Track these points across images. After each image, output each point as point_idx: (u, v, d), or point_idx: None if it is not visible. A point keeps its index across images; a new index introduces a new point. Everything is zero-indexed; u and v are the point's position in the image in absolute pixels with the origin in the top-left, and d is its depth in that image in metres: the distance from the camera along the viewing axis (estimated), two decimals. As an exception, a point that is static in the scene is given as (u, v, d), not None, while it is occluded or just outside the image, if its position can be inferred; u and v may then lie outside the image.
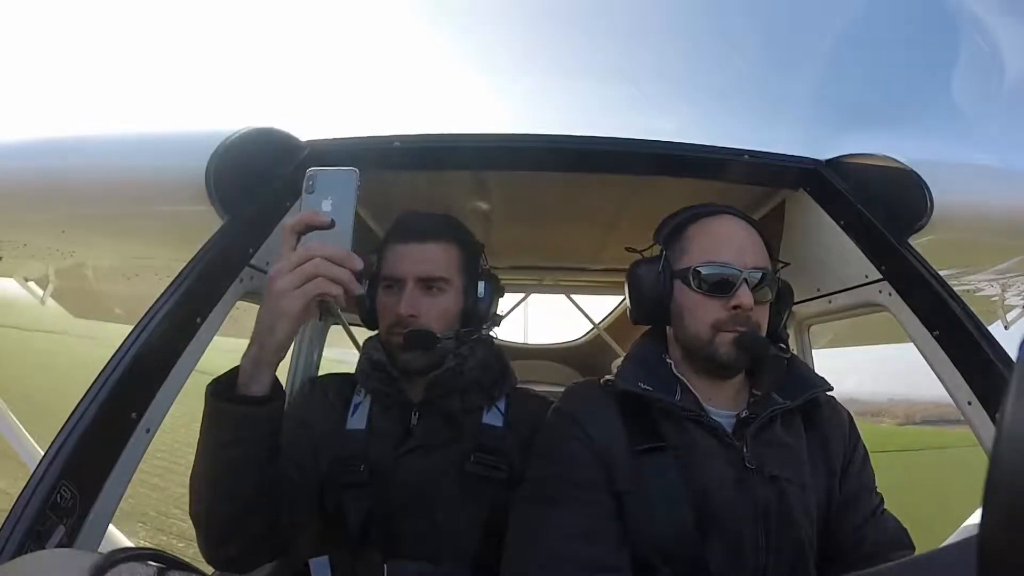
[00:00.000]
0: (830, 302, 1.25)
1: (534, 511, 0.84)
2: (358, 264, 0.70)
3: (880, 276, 1.08)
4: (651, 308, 0.95)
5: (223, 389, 0.73)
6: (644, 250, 1.00)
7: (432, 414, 0.99)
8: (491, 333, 1.11)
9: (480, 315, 1.04)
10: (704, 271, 0.88)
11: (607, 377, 0.95)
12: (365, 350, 1.02)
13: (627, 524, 0.82)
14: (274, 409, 0.74)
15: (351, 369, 1.08)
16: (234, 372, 0.74)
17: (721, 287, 0.87)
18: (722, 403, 0.91)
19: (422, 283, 0.98)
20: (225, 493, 0.76)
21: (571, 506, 0.82)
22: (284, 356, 0.72)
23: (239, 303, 1.01)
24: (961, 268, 1.51)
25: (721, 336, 0.87)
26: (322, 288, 0.68)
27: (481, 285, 1.04)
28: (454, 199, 1.51)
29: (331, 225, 0.69)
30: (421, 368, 0.98)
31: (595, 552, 0.79)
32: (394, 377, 0.99)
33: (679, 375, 0.91)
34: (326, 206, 0.70)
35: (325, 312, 0.72)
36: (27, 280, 1.95)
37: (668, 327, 0.96)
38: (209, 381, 0.75)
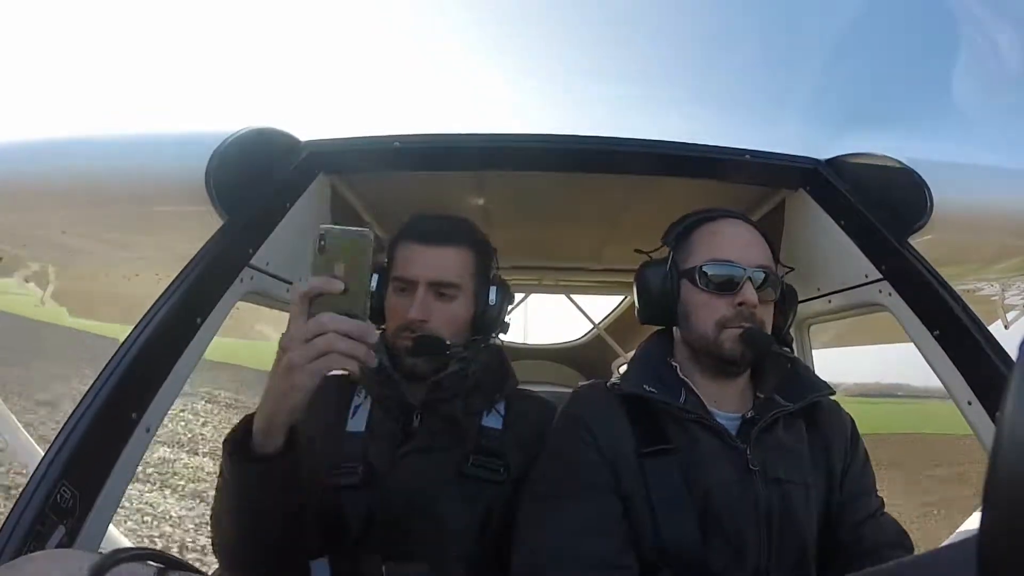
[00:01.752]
0: (830, 302, 1.25)
1: (543, 508, 0.85)
2: (373, 337, 0.67)
3: (880, 276, 1.08)
4: (659, 308, 0.96)
5: (239, 448, 0.72)
6: (652, 252, 1.01)
7: (433, 417, 0.98)
8: (498, 339, 1.10)
9: (490, 321, 1.03)
10: (709, 270, 0.90)
11: (613, 380, 0.96)
12: None
13: (631, 525, 0.83)
14: (291, 461, 0.72)
15: None
16: (248, 424, 0.72)
17: (726, 285, 0.89)
18: (726, 405, 0.91)
19: (434, 288, 0.97)
20: (249, 538, 0.78)
21: (580, 505, 0.83)
22: (299, 416, 0.70)
23: (239, 303, 1.01)
24: (961, 268, 1.51)
25: (726, 332, 0.88)
26: (336, 364, 0.65)
27: (492, 291, 1.03)
28: (454, 199, 1.51)
29: (344, 291, 0.65)
30: (426, 372, 0.97)
31: (604, 549, 0.80)
32: (395, 380, 0.98)
33: (684, 377, 0.92)
34: (338, 269, 0.66)
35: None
36: (27, 280, 1.95)
37: (675, 328, 0.98)
38: (225, 437, 0.74)
